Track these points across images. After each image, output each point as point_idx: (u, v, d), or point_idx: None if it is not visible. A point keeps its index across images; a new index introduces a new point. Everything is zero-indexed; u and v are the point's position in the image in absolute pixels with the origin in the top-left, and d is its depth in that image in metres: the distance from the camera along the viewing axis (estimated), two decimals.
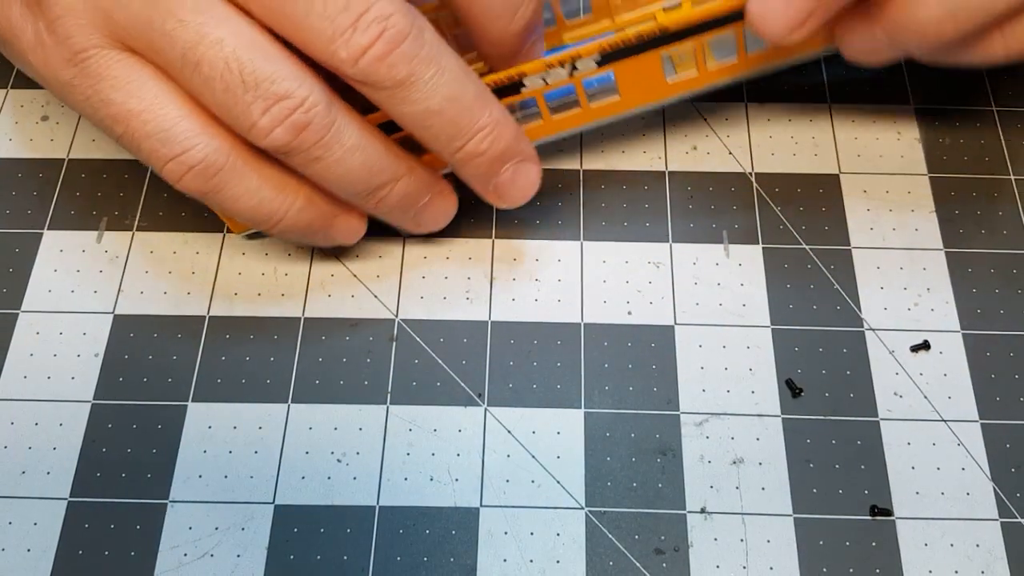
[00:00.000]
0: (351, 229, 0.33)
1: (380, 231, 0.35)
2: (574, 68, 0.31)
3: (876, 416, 0.33)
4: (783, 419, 0.32)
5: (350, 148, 0.29)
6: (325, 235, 0.32)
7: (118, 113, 0.28)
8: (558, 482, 0.31)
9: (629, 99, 0.33)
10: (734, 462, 0.32)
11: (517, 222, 0.36)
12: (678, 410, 0.33)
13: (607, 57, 0.31)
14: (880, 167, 0.37)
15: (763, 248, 0.36)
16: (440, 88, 0.28)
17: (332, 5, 0.26)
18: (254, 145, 0.29)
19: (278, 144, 0.28)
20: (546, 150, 0.37)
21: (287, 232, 0.31)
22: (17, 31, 0.29)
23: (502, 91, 0.31)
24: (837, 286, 0.35)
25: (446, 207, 0.33)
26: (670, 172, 0.37)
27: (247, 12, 0.27)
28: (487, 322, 0.34)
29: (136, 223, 0.36)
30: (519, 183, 0.32)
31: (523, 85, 0.31)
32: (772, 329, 0.34)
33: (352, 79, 0.28)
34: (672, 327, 0.34)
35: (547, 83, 0.31)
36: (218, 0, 0.27)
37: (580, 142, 0.38)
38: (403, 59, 0.27)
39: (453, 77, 0.28)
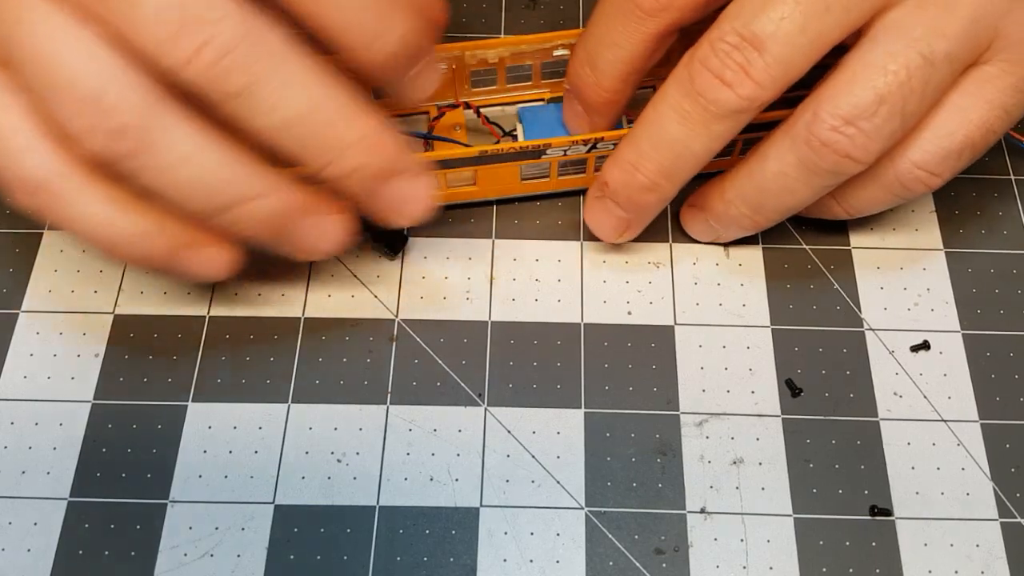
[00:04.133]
0: (210, 263, 0.29)
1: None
2: (594, 146, 0.33)
3: (876, 416, 0.33)
4: (783, 419, 0.32)
5: (179, 159, 0.26)
6: (175, 268, 0.29)
7: None
8: (558, 482, 0.31)
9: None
10: (734, 462, 0.32)
11: (517, 222, 0.36)
12: (678, 410, 0.33)
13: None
14: None
15: (763, 248, 0.36)
16: (290, 100, 0.25)
17: (154, 10, 0.24)
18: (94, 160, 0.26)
19: (92, 149, 0.25)
20: None
21: (129, 259, 0.28)
22: None
23: (524, 155, 0.33)
24: (837, 286, 0.35)
25: (334, 232, 0.29)
26: None
27: (85, 10, 0.25)
28: (487, 322, 0.34)
29: None
30: (407, 201, 0.29)
31: (545, 152, 0.33)
32: (772, 329, 0.34)
33: (188, 88, 0.25)
34: (672, 327, 0.34)
35: (566, 154, 0.33)
36: (47, 3, 0.25)
37: None
38: (238, 68, 0.25)
39: (307, 88, 0.26)
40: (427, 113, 0.36)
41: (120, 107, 0.25)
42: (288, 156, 0.27)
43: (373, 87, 0.35)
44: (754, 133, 0.31)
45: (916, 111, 0.28)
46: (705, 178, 0.33)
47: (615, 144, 0.32)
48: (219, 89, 0.25)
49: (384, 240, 0.35)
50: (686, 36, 0.31)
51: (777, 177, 0.30)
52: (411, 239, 0.35)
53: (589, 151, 0.33)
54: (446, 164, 0.33)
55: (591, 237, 0.35)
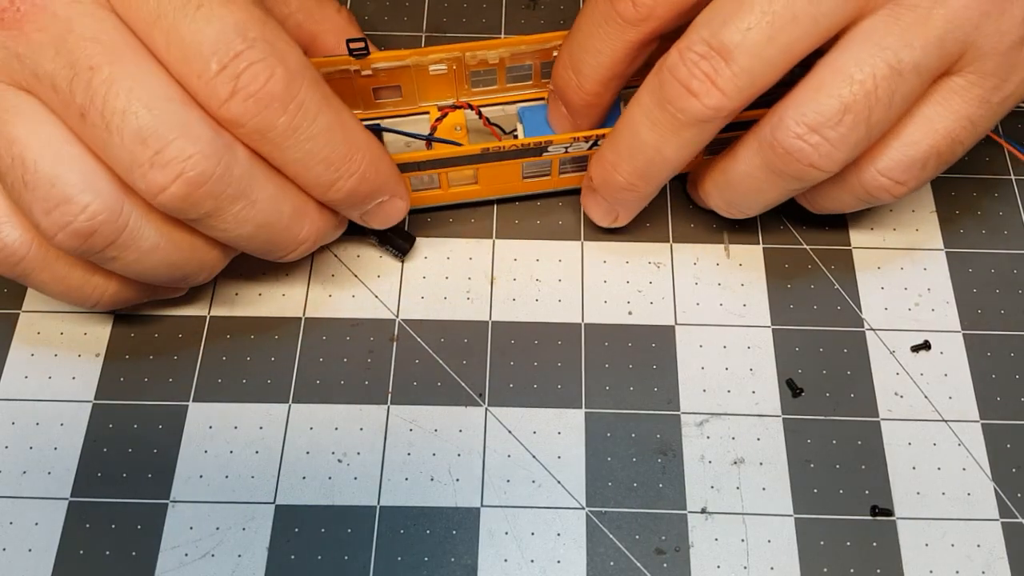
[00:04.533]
0: (171, 293, 0.33)
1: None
2: (595, 143, 0.33)
3: (877, 416, 0.33)
4: (784, 419, 0.32)
5: (148, 249, 0.28)
6: (145, 299, 0.32)
7: None
8: (559, 482, 0.31)
9: None
10: (735, 462, 0.32)
11: (518, 222, 0.36)
12: (679, 410, 0.33)
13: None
14: None
15: (764, 248, 0.36)
16: (251, 219, 0.28)
17: (129, 137, 0.25)
18: None
19: (65, 247, 0.27)
20: None
21: (107, 308, 0.31)
22: None
23: (526, 152, 0.33)
24: (838, 286, 0.35)
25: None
26: None
27: (64, 119, 0.26)
28: (488, 322, 0.34)
29: None
30: (381, 217, 0.32)
31: (546, 150, 0.33)
32: (773, 329, 0.34)
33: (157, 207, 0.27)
34: (673, 327, 0.34)
35: (568, 152, 0.34)
36: (26, 98, 0.26)
37: None
38: (206, 197, 0.26)
39: (265, 206, 0.28)
40: (427, 114, 0.36)
41: (88, 210, 0.26)
42: (245, 251, 0.30)
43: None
44: (739, 132, 0.31)
45: (882, 121, 0.28)
46: None
47: None
48: (186, 214, 0.27)
49: (391, 242, 0.35)
50: (669, 40, 0.31)
51: (745, 177, 0.31)
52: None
53: (590, 148, 0.33)
54: (449, 163, 0.33)
55: (592, 237, 0.35)
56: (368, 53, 0.34)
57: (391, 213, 0.32)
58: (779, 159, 0.29)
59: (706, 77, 0.28)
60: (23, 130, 0.26)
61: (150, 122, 0.25)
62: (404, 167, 0.33)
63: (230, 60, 0.25)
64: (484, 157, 0.33)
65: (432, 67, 0.35)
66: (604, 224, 0.35)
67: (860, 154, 0.29)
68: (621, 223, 0.35)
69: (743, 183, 0.31)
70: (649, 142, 0.30)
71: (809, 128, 0.28)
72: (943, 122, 0.29)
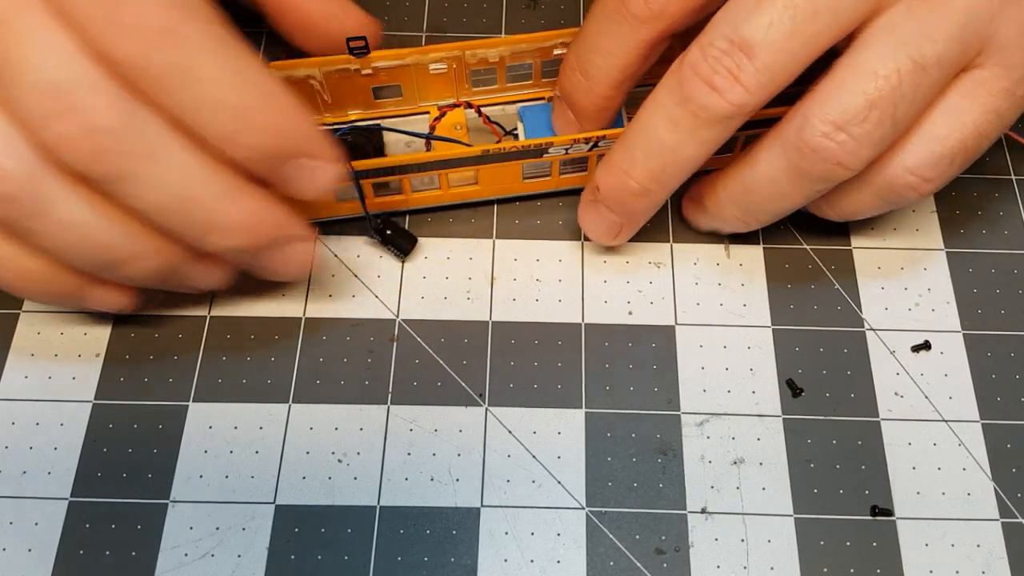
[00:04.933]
0: (109, 301, 0.31)
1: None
2: (595, 145, 0.33)
3: (877, 416, 0.33)
4: (784, 419, 0.32)
5: (68, 224, 0.26)
6: (81, 305, 0.30)
7: None
8: (559, 482, 0.31)
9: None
10: (735, 462, 0.32)
11: (518, 222, 0.36)
12: (679, 410, 0.33)
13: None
14: None
15: (764, 248, 0.36)
16: (166, 185, 0.26)
17: (36, 90, 0.24)
18: None
19: None
20: None
21: (36, 299, 0.30)
22: None
23: (526, 154, 0.33)
24: (838, 286, 0.35)
25: (213, 275, 0.31)
26: None
27: None
28: (488, 322, 0.34)
29: None
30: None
31: (547, 151, 0.33)
32: (773, 329, 0.34)
33: (68, 167, 0.26)
34: (673, 327, 0.34)
35: (568, 153, 0.34)
36: None
37: None
38: (114, 154, 0.25)
39: (183, 173, 0.26)
40: (428, 113, 0.36)
41: (5, 175, 0.25)
42: (169, 233, 0.28)
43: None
44: (755, 130, 0.31)
45: (907, 116, 0.28)
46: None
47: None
48: (97, 172, 0.25)
49: (393, 242, 0.35)
50: (680, 39, 0.31)
51: (767, 182, 0.30)
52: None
53: (591, 149, 0.33)
54: (448, 164, 0.33)
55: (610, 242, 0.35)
56: (368, 52, 0.34)
57: (318, 178, 0.29)
58: (805, 160, 0.29)
59: (728, 73, 0.28)
60: None
61: (58, 75, 0.24)
62: (404, 168, 0.33)
63: (114, 3, 0.25)
64: (485, 158, 0.33)
65: (432, 66, 0.35)
66: (605, 242, 0.34)
67: (883, 151, 0.29)
68: (622, 239, 0.34)
69: (765, 188, 0.31)
70: (667, 143, 0.29)
71: (835, 126, 0.28)
72: (970, 116, 0.29)
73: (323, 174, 0.29)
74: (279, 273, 0.30)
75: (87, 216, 0.27)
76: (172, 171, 0.26)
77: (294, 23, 0.35)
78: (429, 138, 0.34)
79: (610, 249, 0.35)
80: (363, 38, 0.33)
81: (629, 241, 0.35)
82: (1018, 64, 0.28)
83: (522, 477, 0.31)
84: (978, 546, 0.31)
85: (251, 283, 0.35)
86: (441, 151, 0.33)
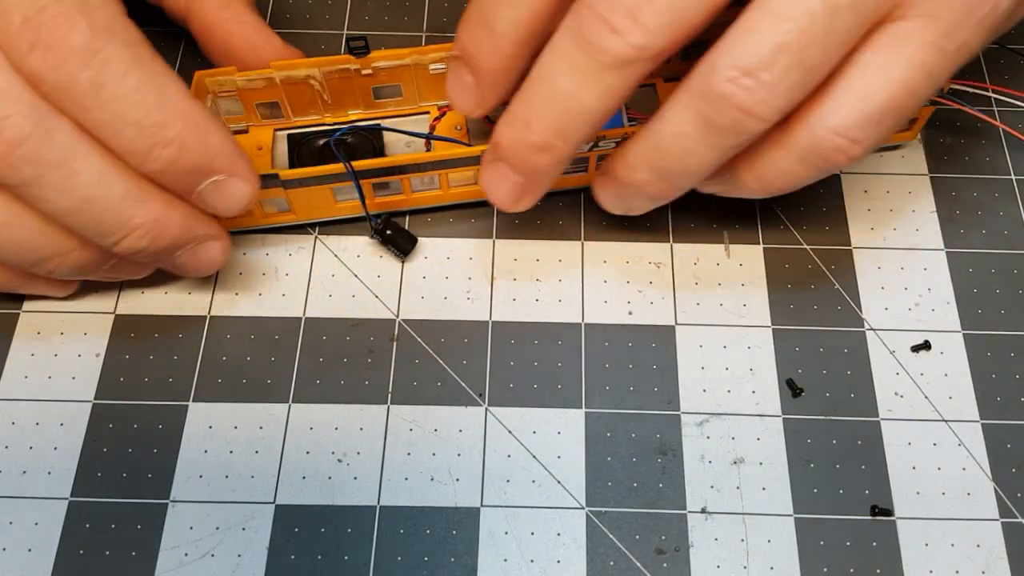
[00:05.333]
0: (49, 290, 0.33)
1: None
2: (596, 144, 0.33)
3: (877, 416, 0.33)
4: (784, 419, 0.32)
5: None
6: (26, 291, 0.33)
7: None
8: (559, 482, 0.31)
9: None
10: (735, 462, 0.32)
11: (518, 222, 0.36)
12: (679, 410, 0.33)
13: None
14: (881, 167, 0.37)
15: (764, 248, 0.36)
16: (74, 190, 0.27)
17: None
18: None
19: None
20: None
21: None
22: None
23: None
24: (838, 286, 0.35)
25: (139, 272, 0.33)
26: None
27: None
28: (488, 322, 0.34)
29: None
30: (198, 262, 0.31)
31: None
32: (773, 329, 0.34)
33: None
34: (673, 327, 0.34)
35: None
36: None
37: None
38: (24, 160, 0.26)
39: (90, 179, 0.27)
40: (428, 113, 0.36)
41: None
42: (80, 234, 0.29)
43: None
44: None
45: (819, 63, 0.26)
46: None
47: (617, 142, 0.32)
48: (7, 179, 0.27)
49: (393, 242, 0.35)
50: None
51: (677, 137, 0.28)
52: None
53: (590, 149, 0.33)
54: (448, 164, 0.33)
55: (592, 237, 0.35)
56: (368, 52, 0.34)
57: (231, 195, 0.30)
58: (712, 107, 0.26)
59: (628, 13, 0.26)
60: None
61: None
62: (404, 168, 0.33)
63: (34, 13, 0.25)
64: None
65: (432, 66, 0.35)
66: (507, 206, 0.31)
67: (806, 109, 0.27)
68: (526, 204, 0.31)
69: (675, 144, 0.28)
70: (568, 90, 0.27)
71: (742, 71, 0.26)
72: (898, 71, 0.27)
73: (238, 192, 0.30)
74: (189, 272, 0.32)
75: (13, 219, 0.28)
76: (83, 176, 0.27)
77: (219, 49, 0.35)
78: (429, 138, 0.34)
79: (610, 249, 0.35)
80: (363, 37, 0.34)
81: (629, 241, 0.35)
82: (942, 15, 0.26)
83: (522, 477, 0.31)
84: (978, 546, 0.31)
85: (252, 283, 0.35)
86: (441, 151, 0.33)
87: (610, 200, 0.32)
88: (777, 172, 0.29)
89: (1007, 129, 0.37)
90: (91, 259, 0.30)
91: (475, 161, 0.33)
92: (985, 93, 0.36)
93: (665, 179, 0.29)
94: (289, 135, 0.36)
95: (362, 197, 0.33)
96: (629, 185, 0.30)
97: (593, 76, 0.27)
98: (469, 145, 0.34)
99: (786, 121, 0.28)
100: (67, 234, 0.29)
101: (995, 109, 0.39)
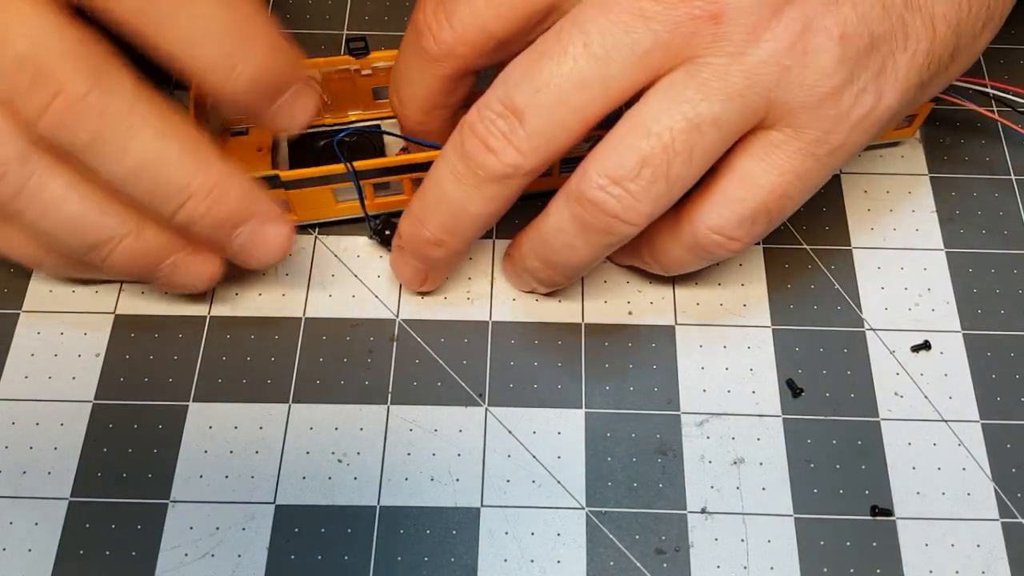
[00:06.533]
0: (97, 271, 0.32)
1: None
2: (596, 141, 0.32)
3: (877, 416, 0.33)
4: (784, 419, 0.32)
5: (53, 202, 0.28)
6: (83, 278, 0.33)
7: None
8: (559, 482, 0.31)
9: None
10: (735, 462, 0.32)
11: (518, 222, 0.36)
12: (679, 410, 0.33)
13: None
14: (880, 167, 0.37)
15: (764, 248, 0.36)
16: (133, 150, 0.27)
17: (12, 63, 0.26)
18: None
19: None
20: None
21: (46, 273, 0.33)
22: None
23: None
24: (838, 286, 0.35)
25: (202, 267, 0.31)
26: None
27: None
28: (488, 322, 0.34)
29: None
30: (260, 246, 0.30)
31: None
32: (773, 329, 0.34)
33: (43, 139, 0.27)
34: (673, 327, 0.34)
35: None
36: None
37: None
38: (83, 120, 0.26)
39: (150, 138, 0.27)
40: None
41: None
42: (140, 204, 0.28)
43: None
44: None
45: (683, 175, 0.28)
46: None
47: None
48: (70, 139, 0.26)
49: (390, 241, 0.35)
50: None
51: (557, 233, 0.30)
52: None
53: (590, 148, 0.33)
54: None
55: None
56: (368, 52, 0.34)
57: (270, 242, 0.30)
58: (585, 211, 0.29)
59: (502, 136, 0.28)
60: None
61: (35, 42, 0.26)
62: (399, 169, 0.33)
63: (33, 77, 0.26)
64: None
65: None
66: (412, 287, 0.34)
67: (686, 200, 0.29)
68: (430, 286, 0.34)
69: (556, 239, 0.30)
70: (454, 197, 0.30)
71: (611, 180, 0.28)
72: (767, 178, 0.29)
73: (277, 236, 0.30)
74: (253, 260, 0.30)
75: (73, 194, 0.28)
76: (143, 131, 0.27)
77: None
78: (418, 143, 0.34)
79: None
80: (363, 38, 0.34)
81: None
82: (809, 125, 0.28)
83: (522, 477, 0.31)
84: (978, 546, 0.31)
85: (252, 283, 0.35)
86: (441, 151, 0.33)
87: (514, 281, 0.35)
88: (671, 259, 0.32)
89: (1005, 123, 0.37)
90: (147, 249, 0.29)
91: None
92: (983, 90, 0.36)
93: (552, 268, 0.32)
94: (289, 136, 0.36)
95: (361, 198, 0.33)
96: (523, 270, 0.33)
97: (474, 187, 0.29)
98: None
99: (676, 213, 0.30)
100: (125, 213, 0.29)
101: (995, 109, 0.39)
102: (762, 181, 0.29)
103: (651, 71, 0.27)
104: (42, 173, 0.27)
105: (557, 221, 0.30)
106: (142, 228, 0.29)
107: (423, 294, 0.34)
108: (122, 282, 0.34)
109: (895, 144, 0.38)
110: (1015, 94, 0.37)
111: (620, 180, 0.28)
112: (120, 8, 0.26)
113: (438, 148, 0.33)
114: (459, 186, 0.29)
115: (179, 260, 0.30)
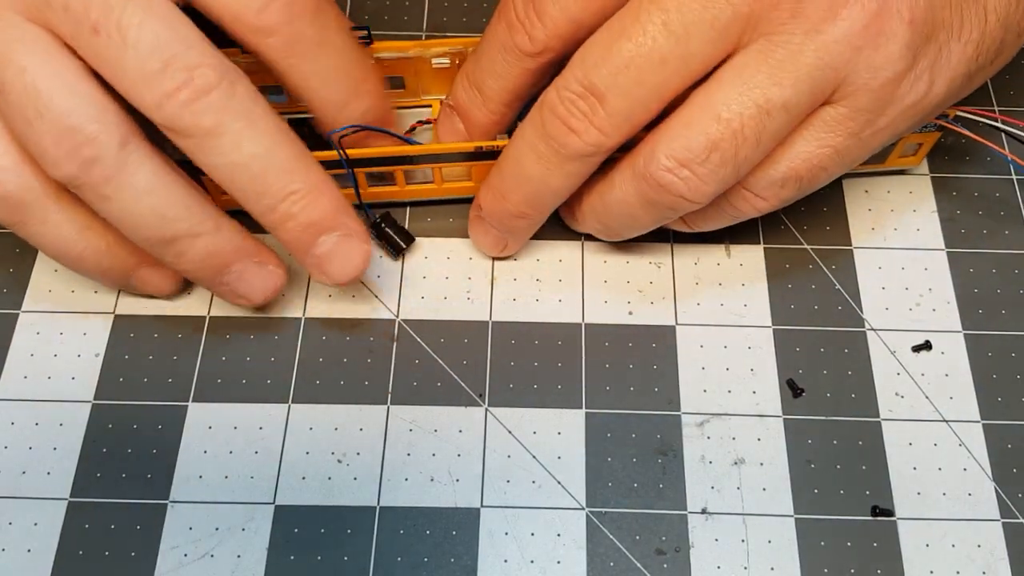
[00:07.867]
0: (155, 284, 0.33)
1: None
2: None
3: (877, 416, 0.32)
4: (784, 419, 0.32)
5: (142, 191, 0.28)
6: (129, 285, 0.33)
7: None
8: (559, 482, 0.31)
9: None
10: (735, 462, 0.32)
11: None
12: (679, 410, 0.33)
13: None
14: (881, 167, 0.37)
15: (764, 248, 0.36)
16: (247, 143, 0.28)
17: (142, 49, 0.26)
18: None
19: (65, 175, 0.28)
20: None
21: (89, 275, 0.32)
22: None
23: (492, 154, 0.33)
24: (838, 286, 0.35)
25: (265, 280, 0.32)
26: None
27: (71, 47, 0.27)
28: (488, 322, 0.34)
29: None
30: (340, 259, 0.30)
31: None
32: (773, 329, 0.34)
33: (160, 124, 0.27)
34: (673, 327, 0.34)
35: None
36: (36, 29, 0.27)
37: None
38: (209, 109, 0.27)
39: (264, 134, 0.28)
40: (430, 107, 0.36)
41: (96, 141, 0.27)
42: (234, 196, 0.29)
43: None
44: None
45: (750, 157, 0.28)
46: None
47: None
48: (187, 127, 0.27)
49: (388, 239, 0.35)
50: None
51: (621, 205, 0.31)
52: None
53: None
54: (442, 158, 0.33)
55: (592, 237, 0.35)
56: (372, 42, 0.34)
57: (351, 256, 0.31)
58: (652, 190, 0.29)
59: (584, 116, 0.29)
60: (35, 59, 0.27)
61: (165, 33, 0.27)
62: (398, 160, 0.33)
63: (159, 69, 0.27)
64: (478, 155, 0.33)
65: (435, 60, 0.35)
66: (493, 254, 0.35)
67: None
68: (510, 251, 0.35)
69: (619, 209, 0.31)
70: (536, 174, 0.30)
71: (679, 163, 0.28)
72: (807, 147, 0.29)
73: (359, 252, 0.31)
74: (335, 267, 0.31)
75: (161, 184, 0.28)
76: (256, 130, 0.28)
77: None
78: (409, 142, 0.34)
79: (611, 249, 0.35)
80: (366, 27, 0.34)
81: (629, 241, 0.35)
82: (864, 108, 0.28)
83: (522, 477, 0.31)
84: (979, 546, 0.31)
85: None
86: (435, 145, 0.33)
87: (572, 224, 0.35)
88: (699, 218, 0.33)
89: (1010, 129, 0.37)
90: (221, 249, 0.30)
91: (468, 157, 0.33)
92: (994, 123, 0.35)
93: (612, 230, 0.33)
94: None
95: (357, 189, 0.33)
96: (583, 225, 0.34)
97: (556, 164, 0.30)
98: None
99: None
100: (207, 210, 0.30)
101: (996, 109, 0.38)
102: (800, 149, 0.29)
103: (729, 45, 0.28)
104: (136, 161, 0.28)
105: (622, 194, 0.31)
106: (220, 227, 0.30)
107: (500, 259, 0.35)
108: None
109: (901, 172, 0.37)
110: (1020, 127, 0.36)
111: (688, 163, 0.28)
112: (267, 44, 0.29)
113: (416, 143, 0.33)
114: (540, 163, 0.30)
115: (246, 268, 0.31)
